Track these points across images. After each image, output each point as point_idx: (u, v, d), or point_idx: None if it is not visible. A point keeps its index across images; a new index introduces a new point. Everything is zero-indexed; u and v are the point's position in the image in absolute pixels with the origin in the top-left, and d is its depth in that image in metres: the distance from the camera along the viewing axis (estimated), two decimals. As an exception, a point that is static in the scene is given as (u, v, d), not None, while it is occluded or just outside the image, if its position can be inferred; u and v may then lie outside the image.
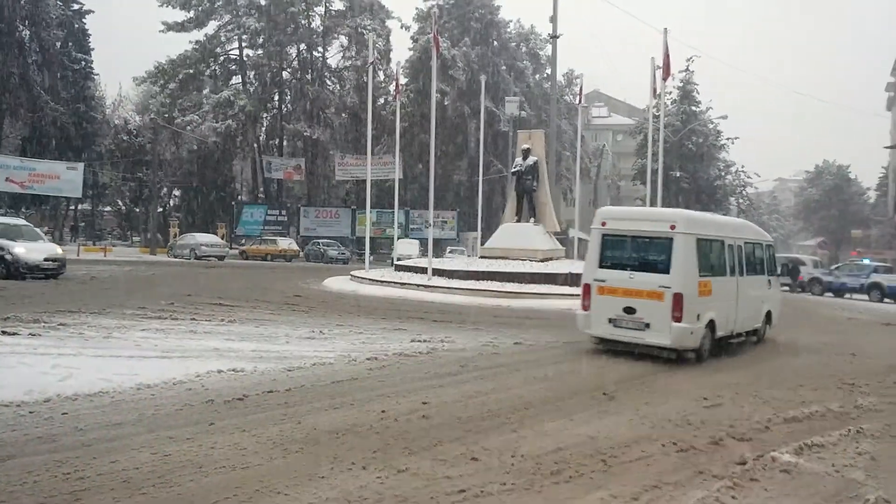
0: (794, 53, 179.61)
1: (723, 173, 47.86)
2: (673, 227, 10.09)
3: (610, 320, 10.30)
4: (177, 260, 37.47)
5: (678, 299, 9.74)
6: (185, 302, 15.15)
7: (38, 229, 22.71)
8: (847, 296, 28.05)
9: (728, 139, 47.79)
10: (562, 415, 6.72)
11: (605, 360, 10.14)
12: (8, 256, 18.89)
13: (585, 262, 11.22)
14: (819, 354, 11.62)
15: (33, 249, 19.49)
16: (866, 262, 32.86)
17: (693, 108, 46.38)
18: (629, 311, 10.11)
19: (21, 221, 22.56)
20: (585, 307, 10.61)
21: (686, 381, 8.68)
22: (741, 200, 50.97)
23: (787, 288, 23.74)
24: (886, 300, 26.58)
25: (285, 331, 11.52)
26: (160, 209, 50.79)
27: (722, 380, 8.83)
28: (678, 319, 9.73)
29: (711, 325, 10.41)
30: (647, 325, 9.98)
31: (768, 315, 12.91)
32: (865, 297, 27.24)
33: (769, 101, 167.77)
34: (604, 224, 10.78)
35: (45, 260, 19.44)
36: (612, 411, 6.96)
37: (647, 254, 10.40)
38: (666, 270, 9.97)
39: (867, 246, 60.54)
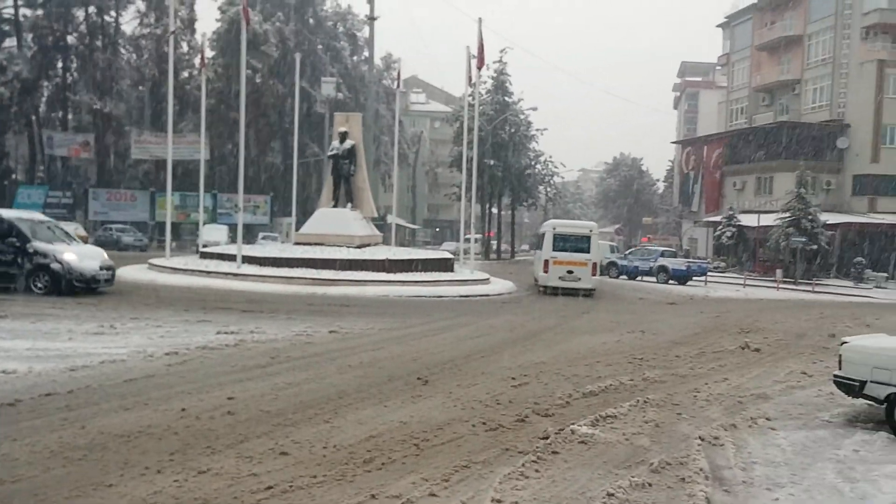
0: (599, 52, 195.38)
1: (533, 163, 49.94)
2: (591, 231, 21.33)
3: (560, 277, 20.35)
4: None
5: (594, 266, 20.66)
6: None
7: (62, 225, 16.60)
8: (639, 278, 30.94)
9: (538, 130, 50.10)
10: (376, 402, 6.66)
11: (420, 343, 10.31)
12: (55, 266, 14.09)
13: (543, 248, 21.04)
14: (613, 333, 12.64)
15: (85, 255, 14.90)
16: (655, 247, 36.61)
17: (506, 98, 47.88)
18: (570, 272, 20.33)
19: (42, 217, 16.54)
20: (546, 271, 20.46)
21: (496, 363, 9.03)
22: (549, 189, 53.70)
23: None
24: (671, 282, 29.70)
25: (68, 326, 10.25)
26: (-89, 187, 43.17)
27: (528, 360, 9.31)
28: (594, 275, 20.64)
29: (600, 280, 22.29)
30: (579, 279, 20.31)
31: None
32: (654, 279, 30.24)
33: (576, 96, 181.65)
34: (555, 228, 21.24)
35: (101, 269, 14.90)
36: (426, 395, 7.03)
37: (578, 244, 20.57)
38: (587, 251, 20.48)
39: (655, 232, 67.78)
